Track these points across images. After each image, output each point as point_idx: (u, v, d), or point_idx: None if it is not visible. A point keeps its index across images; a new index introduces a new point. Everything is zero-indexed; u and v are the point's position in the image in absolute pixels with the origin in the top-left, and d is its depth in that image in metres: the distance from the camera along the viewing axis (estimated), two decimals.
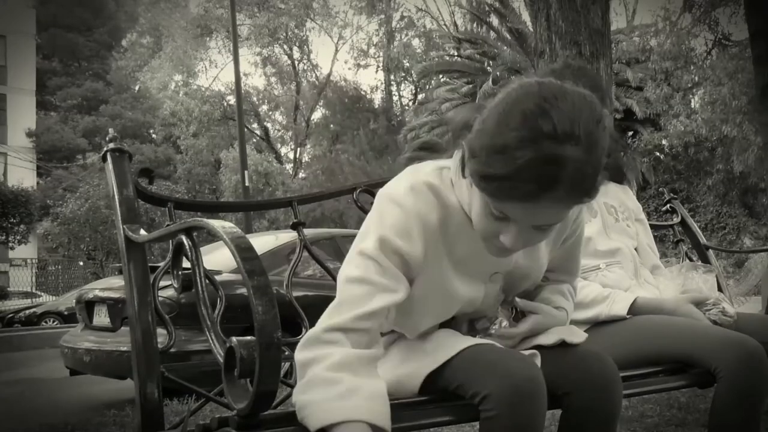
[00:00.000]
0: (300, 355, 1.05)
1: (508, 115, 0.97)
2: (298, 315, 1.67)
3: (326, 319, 1.08)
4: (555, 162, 0.93)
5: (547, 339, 1.22)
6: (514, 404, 1.03)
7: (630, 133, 18.73)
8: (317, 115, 31.74)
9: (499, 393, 1.04)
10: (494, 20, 21.87)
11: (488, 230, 1.06)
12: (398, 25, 30.26)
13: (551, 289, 1.32)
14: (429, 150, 1.25)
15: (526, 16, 18.44)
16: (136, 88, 36.88)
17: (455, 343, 1.15)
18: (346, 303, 1.08)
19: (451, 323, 1.25)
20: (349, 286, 1.09)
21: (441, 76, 22.29)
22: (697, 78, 17.45)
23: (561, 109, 0.95)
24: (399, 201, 1.11)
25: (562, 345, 1.22)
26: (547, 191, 0.94)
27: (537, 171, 0.93)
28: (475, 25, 25.26)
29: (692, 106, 18.09)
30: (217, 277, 1.47)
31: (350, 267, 1.11)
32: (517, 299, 1.26)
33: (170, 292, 3.47)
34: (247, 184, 12.72)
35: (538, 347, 1.21)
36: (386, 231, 1.09)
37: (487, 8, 22.58)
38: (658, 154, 19.59)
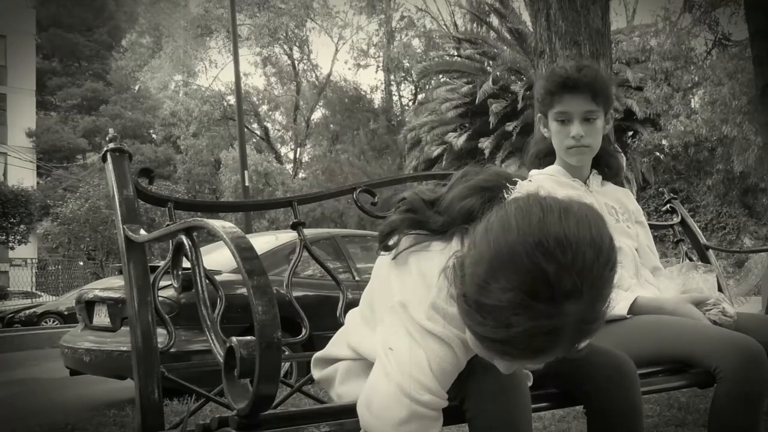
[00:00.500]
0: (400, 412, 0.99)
1: (501, 268, 0.86)
2: (298, 315, 1.67)
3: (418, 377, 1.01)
4: (555, 332, 0.85)
5: None
6: (502, 404, 1.04)
7: (630, 133, 18.73)
8: (317, 115, 31.76)
9: (483, 391, 1.05)
10: (494, 20, 21.88)
11: (484, 356, 0.99)
12: (398, 25, 30.27)
13: None
14: (416, 215, 1.10)
15: (526, 16, 18.47)
16: (136, 88, 36.87)
17: None
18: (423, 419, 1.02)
19: None
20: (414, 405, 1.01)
21: (441, 76, 22.29)
22: (697, 78, 17.43)
23: (562, 264, 0.84)
24: (434, 331, 1.02)
25: None
26: (544, 355, 0.89)
27: (533, 341, 0.86)
28: (475, 25, 25.27)
29: (692, 106, 18.08)
30: (217, 277, 1.47)
31: (410, 388, 1.00)
32: None
33: (170, 292, 3.47)
34: (247, 184, 12.72)
35: None
36: (436, 370, 1.02)
37: (487, 8, 22.58)
38: (658, 154, 19.58)
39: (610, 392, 1.17)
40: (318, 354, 1.33)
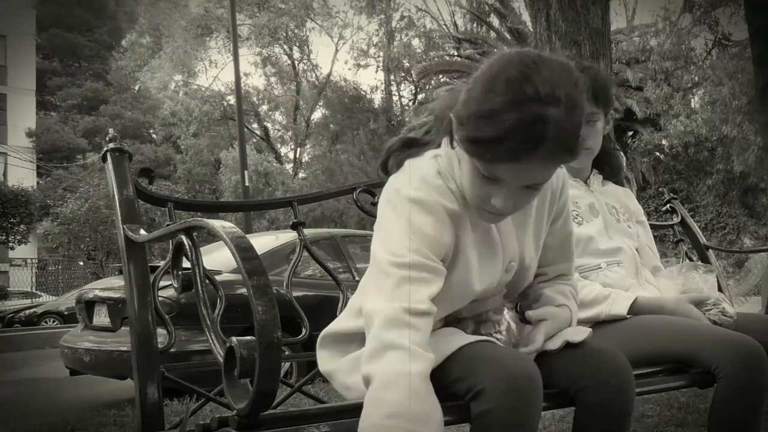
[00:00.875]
0: (383, 334, 1.02)
1: (493, 83, 1.02)
2: (298, 315, 1.67)
3: (400, 300, 1.05)
4: (540, 121, 0.98)
5: (553, 344, 1.22)
6: (508, 399, 1.02)
7: (630, 133, 18.74)
8: (317, 115, 31.76)
9: (493, 387, 1.03)
10: (494, 20, 21.89)
11: (480, 195, 1.09)
12: (398, 25, 30.26)
13: (552, 289, 1.33)
14: (413, 146, 1.24)
15: (526, 16, 18.46)
16: (136, 88, 36.88)
17: (456, 340, 1.15)
18: (413, 282, 1.06)
19: (457, 325, 1.25)
20: (401, 270, 1.07)
21: (441, 76, 22.30)
22: (697, 78, 17.45)
23: (542, 74, 1.01)
24: (419, 199, 1.12)
25: (567, 345, 1.22)
26: (534, 150, 1.00)
27: (524, 131, 0.98)
28: (475, 25, 25.27)
29: (692, 106, 18.09)
30: (217, 277, 1.47)
31: (392, 256, 1.09)
32: (528, 312, 1.26)
33: (170, 292, 3.47)
34: (247, 184, 12.73)
35: (544, 353, 1.21)
36: (418, 237, 1.09)
37: (487, 8, 22.59)
38: (658, 154, 19.60)
39: (605, 389, 1.17)
40: (326, 331, 1.28)
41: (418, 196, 1.11)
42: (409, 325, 1.02)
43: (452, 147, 1.15)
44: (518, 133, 0.98)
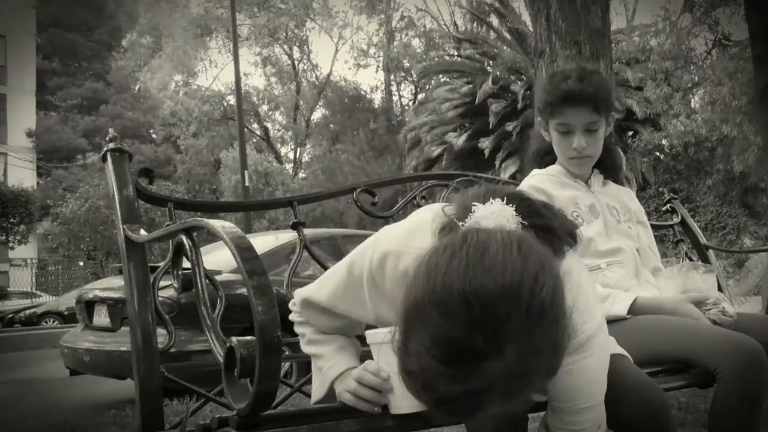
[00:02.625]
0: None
1: (413, 331, 0.82)
2: None
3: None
4: (475, 394, 0.80)
5: None
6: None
7: (630, 133, 18.72)
8: (317, 115, 31.74)
9: None
10: (494, 20, 21.86)
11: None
12: (398, 25, 30.26)
13: None
14: None
15: (526, 16, 18.46)
16: (136, 88, 36.85)
17: None
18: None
19: None
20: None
21: (441, 76, 22.27)
22: (697, 78, 17.42)
23: (469, 323, 0.77)
24: (357, 266, 1.17)
25: None
26: (474, 416, 0.86)
27: (457, 406, 0.82)
28: (475, 25, 25.25)
29: (692, 106, 18.07)
30: (217, 277, 1.47)
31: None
32: None
33: (170, 292, 3.47)
34: (247, 184, 12.72)
35: None
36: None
37: (487, 8, 22.56)
38: (658, 154, 19.58)
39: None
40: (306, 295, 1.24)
41: (359, 263, 1.15)
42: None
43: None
44: (451, 407, 0.82)
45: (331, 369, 1.16)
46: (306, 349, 1.23)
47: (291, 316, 1.26)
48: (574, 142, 1.71)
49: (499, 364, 0.77)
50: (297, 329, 1.26)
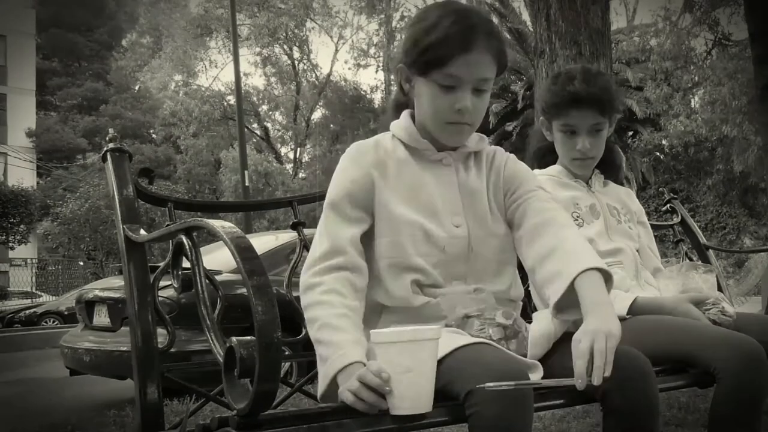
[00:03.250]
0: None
1: (425, 15, 1.30)
2: (298, 315, 1.66)
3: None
4: (468, 16, 1.26)
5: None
6: (501, 404, 1.03)
7: (630, 133, 18.74)
8: (317, 115, 31.77)
9: (486, 390, 1.03)
10: (494, 20, 21.86)
11: (443, 108, 1.28)
12: (398, 25, 30.22)
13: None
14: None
15: (526, 16, 18.44)
16: (136, 88, 36.88)
17: (451, 341, 1.16)
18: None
19: (464, 327, 1.25)
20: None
21: None
22: (697, 78, 17.45)
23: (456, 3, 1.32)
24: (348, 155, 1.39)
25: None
26: (474, 37, 1.25)
27: (460, 24, 1.24)
28: None
29: (692, 106, 18.10)
30: (217, 277, 1.47)
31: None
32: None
33: (170, 292, 3.47)
34: (247, 184, 12.72)
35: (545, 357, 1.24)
36: (335, 187, 1.33)
37: (487, 8, 22.56)
38: (658, 154, 19.61)
39: (629, 390, 1.17)
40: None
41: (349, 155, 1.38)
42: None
43: (403, 93, 1.36)
44: (457, 27, 1.24)
45: (342, 358, 1.13)
46: (318, 334, 1.18)
47: (305, 297, 1.23)
48: (579, 143, 1.71)
49: (476, 15, 1.29)
50: (310, 312, 1.21)
